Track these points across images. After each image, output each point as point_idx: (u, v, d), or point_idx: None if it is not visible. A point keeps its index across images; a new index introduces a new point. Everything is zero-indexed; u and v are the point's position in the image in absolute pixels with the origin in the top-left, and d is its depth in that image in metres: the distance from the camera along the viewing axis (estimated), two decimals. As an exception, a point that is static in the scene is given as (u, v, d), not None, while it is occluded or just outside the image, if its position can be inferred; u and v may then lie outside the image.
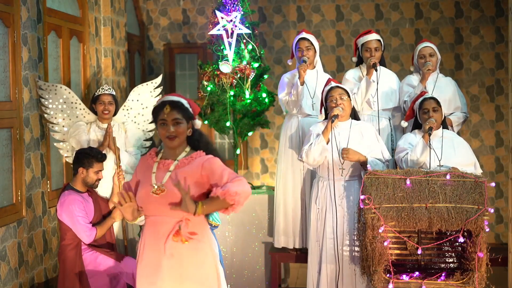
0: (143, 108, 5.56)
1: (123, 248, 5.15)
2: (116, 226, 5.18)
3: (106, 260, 4.77)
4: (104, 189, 5.15)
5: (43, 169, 5.42)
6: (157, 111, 3.36)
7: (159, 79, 5.66)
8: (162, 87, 5.66)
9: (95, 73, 6.49)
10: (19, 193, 4.98)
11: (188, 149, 3.41)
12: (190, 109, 3.39)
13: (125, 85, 7.09)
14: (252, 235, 5.75)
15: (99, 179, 4.92)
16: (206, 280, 3.35)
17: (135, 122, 5.54)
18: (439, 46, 6.55)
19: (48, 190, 5.49)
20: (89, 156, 4.81)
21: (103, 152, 5.04)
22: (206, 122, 6.03)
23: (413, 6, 8.13)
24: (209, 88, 5.85)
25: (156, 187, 3.28)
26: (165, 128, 3.31)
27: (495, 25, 7.97)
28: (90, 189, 4.95)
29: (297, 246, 5.40)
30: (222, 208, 3.24)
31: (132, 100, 5.55)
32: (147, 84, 5.62)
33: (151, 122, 5.59)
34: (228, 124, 5.88)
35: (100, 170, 4.89)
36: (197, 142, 3.41)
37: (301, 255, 5.42)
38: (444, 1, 8.08)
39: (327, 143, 4.62)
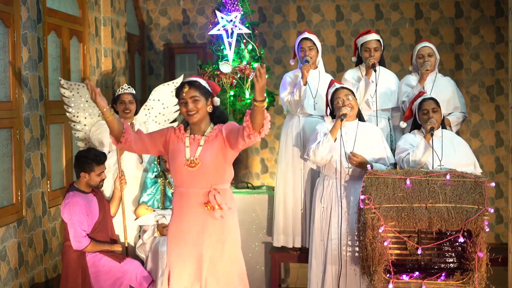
0: (164, 108, 5.57)
1: (124, 250, 5.15)
2: (117, 228, 5.17)
3: (109, 262, 4.78)
4: (105, 188, 5.15)
5: (43, 169, 5.42)
6: (178, 92, 3.71)
7: (180, 79, 5.66)
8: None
9: (95, 73, 6.50)
10: (19, 193, 4.98)
11: (212, 125, 3.74)
12: (209, 88, 3.71)
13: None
14: (252, 235, 5.75)
15: (103, 179, 4.93)
16: (237, 253, 3.84)
17: (156, 122, 5.55)
18: (439, 46, 6.55)
19: (48, 190, 5.49)
20: (89, 160, 4.81)
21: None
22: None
23: (413, 6, 8.13)
24: (209, 88, 5.84)
25: (190, 160, 3.63)
26: (185, 106, 3.64)
27: (495, 25, 7.97)
28: (95, 189, 4.95)
29: (296, 245, 5.40)
30: (262, 116, 3.44)
31: (153, 100, 5.56)
32: (168, 84, 5.63)
33: (172, 122, 5.61)
34: (228, 124, 5.87)
35: (102, 171, 4.90)
36: (218, 118, 3.76)
37: (302, 255, 5.42)
38: (444, 1, 8.07)
39: (334, 142, 4.64)
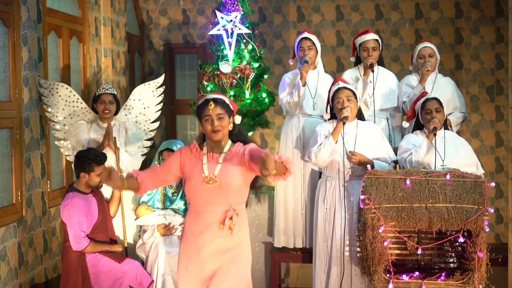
0: (144, 108, 5.56)
1: (124, 250, 5.14)
2: (117, 228, 5.17)
3: (109, 262, 4.78)
4: (104, 189, 5.15)
5: (43, 169, 5.41)
6: (202, 108, 3.63)
7: (161, 79, 5.65)
8: (164, 87, 5.66)
9: (95, 73, 6.49)
10: (19, 193, 4.98)
11: (230, 142, 3.70)
12: (231, 106, 3.69)
13: (125, 85, 7.09)
14: (252, 235, 5.74)
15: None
16: (246, 272, 3.70)
17: (136, 122, 5.53)
18: (439, 46, 6.55)
19: (48, 190, 5.49)
20: (89, 161, 4.80)
21: (103, 151, 5.05)
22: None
23: (413, 6, 8.13)
24: (209, 88, 5.85)
25: (209, 177, 3.57)
26: (210, 123, 3.59)
27: (495, 25, 7.97)
28: (95, 189, 4.95)
29: (297, 246, 5.40)
30: (279, 171, 3.41)
31: (134, 100, 5.55)
32: (149, 84, 5.62)
33: (152, 122, 5.60)
34: (228, 124, 5.86)
35: (102, 172, 4.89)
36: (236, 136, 3.72)
37: (302, 255, 5.42)
38: (444, 1, 8.07)
39: (336, 144, 4.63)
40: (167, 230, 5.01)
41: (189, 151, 3.69)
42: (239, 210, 3.63)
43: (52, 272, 5.55)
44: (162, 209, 5.14)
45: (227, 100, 3.68)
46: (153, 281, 4.80)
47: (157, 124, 5.64)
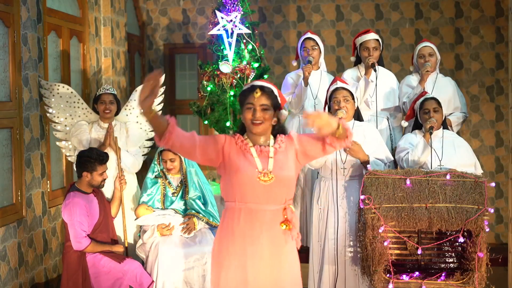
0: None
1: (124, 250, 5.14)
2: (117, 228, 5.17)
3: (109, 262, 4.78)
4: (105, 189, 5.15)
5: (43, 169, 5.41)
6: (245, 94, 3.27)
7: (161, 79, 5.65)
8: (164, 87, 5.66)
9: (95, 73, 6.49)
10: (19, 193, 4.98)
11: (272, 137, 3.34)
12: (279, 99, 3.32)
13: (125, 85, 7.09)
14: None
15: (105, 179, 4.93)
16: (297, 269, 3.47)
17: (137, 122, 5.54)
18: (439, 46, 6.55)
19: (48, 190, 5.49)
20: (92, 160, 4.81)
21: (105, 151, 5.05)
22: (206, 122, 6.04)
23: (413, 6, 8.13)
24: (209, 88, 5.85)
25: (263, 172, 3.22)
26: (251, 113, 3.23)
27: (495, 25, 7.97)
28: (96, 189, 4.95)
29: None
30: (342, 135, 3.18)
31: (135, 100, 5.55)
32: None
33: None
34: (228, 124, 5.88)
35: (104, 171, 4.90)
36: (277, 132, 3.36)
37: (301, 255, 5.41)
38: (444, 1, 8.07)
39: None
40: (167, 230, 5.01)
41: (233, 142, 3.30)
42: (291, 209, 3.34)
43: (52, 272, 5.55)
44: (162, 209, 5.13)
45: (275, 91, 3.31)
46: (153, 281, 4.80)
47: None
